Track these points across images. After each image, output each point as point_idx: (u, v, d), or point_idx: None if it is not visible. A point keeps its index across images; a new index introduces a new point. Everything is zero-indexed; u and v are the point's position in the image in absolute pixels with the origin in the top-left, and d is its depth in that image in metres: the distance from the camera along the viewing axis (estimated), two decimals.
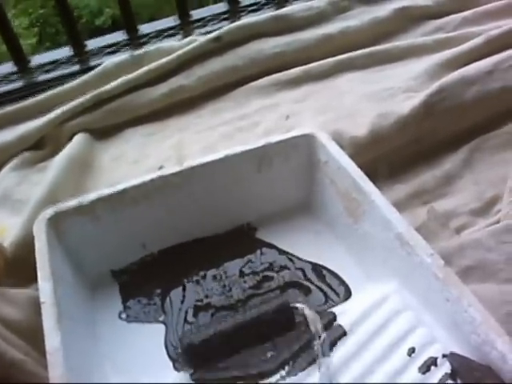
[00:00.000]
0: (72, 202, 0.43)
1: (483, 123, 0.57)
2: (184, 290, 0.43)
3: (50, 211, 0.42)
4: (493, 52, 0.63)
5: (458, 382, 0.33)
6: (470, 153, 0.55)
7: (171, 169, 0.45)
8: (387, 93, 0.60)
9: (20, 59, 0.78)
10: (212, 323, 0.38)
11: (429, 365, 0.34)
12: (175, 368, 0.37)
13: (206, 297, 0.42)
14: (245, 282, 0.43)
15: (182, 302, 0.42)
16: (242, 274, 0.44)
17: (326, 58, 0.68)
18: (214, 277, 0.44)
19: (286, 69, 0.67)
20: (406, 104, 0.56)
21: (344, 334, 0.36)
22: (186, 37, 0.75)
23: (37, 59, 0.79)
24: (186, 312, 0.41)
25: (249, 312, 0.37)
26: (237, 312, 0.40)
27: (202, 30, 0.80)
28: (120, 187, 0.44)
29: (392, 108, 0.56)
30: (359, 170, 0.43)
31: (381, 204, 0.40)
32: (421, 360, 0.34)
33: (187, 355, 0.35)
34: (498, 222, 0.47)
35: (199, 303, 0.42)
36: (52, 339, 0.33)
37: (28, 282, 0.43)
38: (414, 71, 0.64)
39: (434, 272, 0.35)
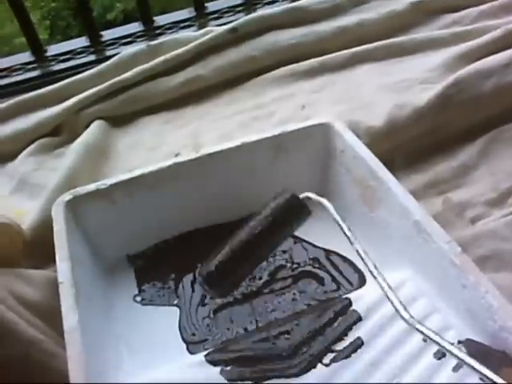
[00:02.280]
0: (90, 187, 0.43)
1: (499, 115, 0.56)
2: (197, 275, 0.43)
3: (68, 195, 0.43)
4: (509, 45, 0.62)
5: (474, 368, 0.33)
6: (486, 144, 0.54)
7: (188, 156, 0.46)
8: (404, 84, 0.60)
9: (37, 49, 0.78)
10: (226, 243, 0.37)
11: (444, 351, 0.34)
12: (189, 350, 0.38)
13: None
14: (260, 269, 0.43)
15: (196, 286, 0.42)
16: None
17: (341, 50, 0.68)
18: None
19: (302, 60, 0.67)
20: (423, 95, 0.56)
21: (359, 319, 0.36)
22: (201, 28, 0.75)
23: (53, 49, 0.79)
24: (201, 296, 0.41)
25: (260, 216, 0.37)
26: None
27: (218, 22, 0.80)
28: (137, 172, 0.44)
29: (409, 99, 0.56)
30: (376, 158, 0.43)
31: (398, 192, 0.40)
32: (436, 346, 0.34)
33: (210, 283, 0.35)
34: None
35: None
36: (70, 318, 0.33)
37: (46, 263, 0.43)
38: (431, 63, 0.63)
39: (451, 259, 0.35)
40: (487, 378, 0.31)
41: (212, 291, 0.35)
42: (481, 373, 0.31)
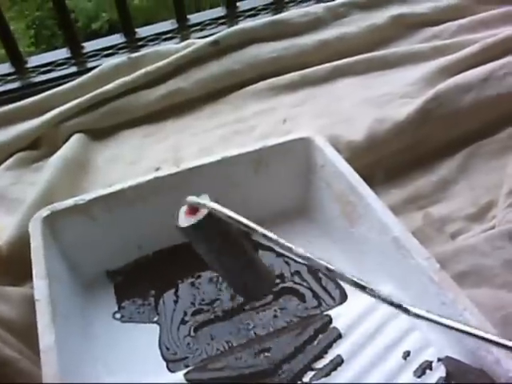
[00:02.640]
0: (68, 202, 0.43)
1: (479, 129, 0.57)
2: (178, 291, 0.43)
3: (45, 210, 0.42)
4: (488, 59, 0.63)
5: None
6: (465, 159, 0.55)
7: (168, 170, 0.45)
8: (384, 98, 0.61)
9: (17, 60, 0.77)
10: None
11: (424, 368, 0.34)
12: (169, 369, 0.37)
13: (202, 299, 0.42)
14: None
15: (176, 303, 0.42)
16: None
17: (323, 64, 0.69)
18: (210, 279, 0.44)
19: (283, 73, 0.68)
20: (403, 110, 0.57)
21: (339, 336, 0.36)
22: (183, 40, 0.75)
23: (34, 60, 0.79)
24: (182, 313, 0.41)
25: None
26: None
27: (200, 34, 0.80)
28: (116, 187, 0.44)
29: (389, 113, 0.57)
30: (356, 173, 0.43)
31: (377, 207, 0.40)
32: (416, 363, 0.34)
33: None
34: (493, 227, 0.47)
35: (194, 305, 0.42)
36: (46, 337, 0.33)
37: (23, 280, 0.43)
38: (411, 77, 0.64)
39: (430, 275, 0.35)
40: None
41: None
42: None
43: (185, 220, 0.36)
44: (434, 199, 0.51)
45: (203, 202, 0.35)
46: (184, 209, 0.37)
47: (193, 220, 0.36)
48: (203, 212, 0.35)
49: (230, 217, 0.34)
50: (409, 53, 0.70)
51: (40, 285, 0.36)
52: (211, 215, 0.35)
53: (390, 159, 0.55)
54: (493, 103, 0.58)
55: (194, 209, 0.36)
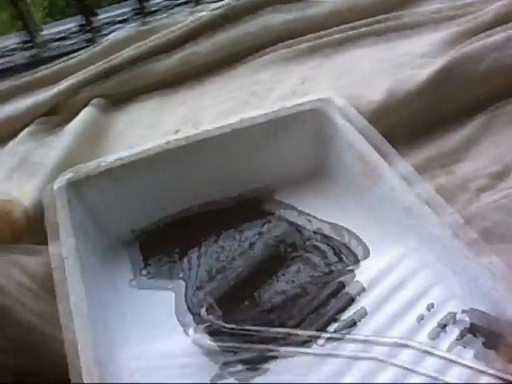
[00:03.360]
0: (91, 164, 0.43)
1: (502, 88, 0.56)
2: (202, 249, 0.44)
3: (69, 172, 0.43)
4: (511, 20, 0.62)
5: (478, 335, 0.33)
6: (488, 118, 0.54)
7: (187, 132, 0.45)
8: (404, 58, 0.60)
9: (32, 29, 0.77)
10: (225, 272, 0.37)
11: (448, 320, 0.34)
12: (195, 321, 0.38)
13: (226, 256, 0.42)
14: (264, 244, 0.43)
15: (201, 260, 0.43)
16: (260, 234, 0.44)
17: (340, 25, 0.67)
18: (233, 237, 0.44)
19: (301, 36, 0.66)
20: (423, 70, 0.56)
21: (363, 289, 0.36)
22: (197, 5, 0.75)
23: (49, 29, 0.78)
24: (207, 269, 0.42)
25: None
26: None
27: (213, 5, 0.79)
28: (137, 149, 0.44)
29: (409, 73, 0.56)
30: (377, 132, 0.43)
31: (399, 165, 0.40)
32: (440, 315, 0.35)
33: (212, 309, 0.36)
34: None
35: (218, 262, 0.42)
36: (76, 291, 0.34)
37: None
38: (432, 38, 0.63)
39: (454, 230, 0.35)
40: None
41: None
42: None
43: None
44: (457, 158, 0.50)
45: None
46: None
47: None
48: None
49: None
50: (428, 13, 0.68)
51: (67, 243, 0.37)
52: None
53: (411, 119, 0.54)
54: None
55: None
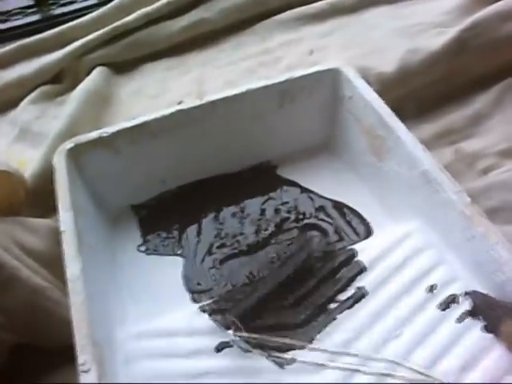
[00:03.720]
0: (92, 134, 0.42)
1: None
2: (202, 225, 0.43)
3: (69, 143, 0.42)
4: None
5: (479, 318, 0.33)
6: (502, 92, 0.52)
7: (191, 103, 0.44)
8: (417, 28, 0.58)
9: None
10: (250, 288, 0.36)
11: (449, 302, 0.34)
12: (193, 299, 0.38)
13: (226, 233, 0.42)
14: (265, 220, 0.43)
15: (200, 236, 0.42)
16: (262, 211, 0.43)
17: None
18: (234, 214, 0.44)
19: (311, 2, 0.64)
20: (438, 40, 0.54)
21: (364, 269, 0.36)
22: None
23: None
24: (206, 246, 0.41)
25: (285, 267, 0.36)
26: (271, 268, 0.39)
27: None
28: (139, 120, 0.43)
29: (422, 43, 0.54)
30: (386, 106, 0.42)
31: (407, 141, 0.39)
32: (442, 297, 0.34)
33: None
34: None
35: (218, 239, 0.42)
36: (73, 267, 0.33)
37: (49, 212, 0.43)
38: (446, 6, 0.60)
39: (461, 209, 0.34)
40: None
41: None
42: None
43: None
44: (466, 134, 0.49)
45: None
46: None
47: None
48: None
49: None
50: None
51: (65, 217, 0.36)
52: None
53: (423, 92, 0.52)
54: None
55: None
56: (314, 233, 0.41)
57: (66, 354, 0.31)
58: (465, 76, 0.53)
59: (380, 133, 0.42)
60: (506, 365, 0.31)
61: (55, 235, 0.38)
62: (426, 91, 0.52)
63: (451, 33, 0.54)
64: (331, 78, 0.45)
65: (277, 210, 0.43)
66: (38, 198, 0.44)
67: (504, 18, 0.55)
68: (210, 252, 0.41)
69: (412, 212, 0.39)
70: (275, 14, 0.64)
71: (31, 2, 0.75)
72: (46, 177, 0.43)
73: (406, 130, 0.40)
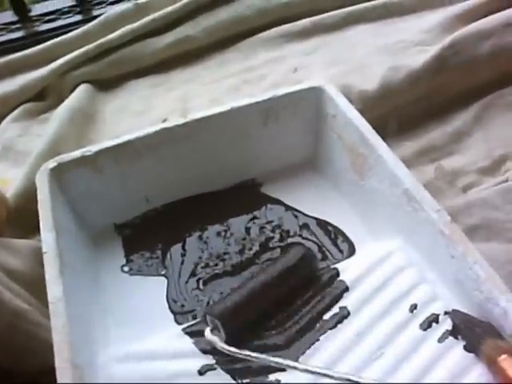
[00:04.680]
0: (75, 153, 0.42)
1: (496, 79, 0.55)
2: (186, 245, 0.43)
3: (52, 162, 0.41)
4: (509, 5, 0.60)
5: (459, 338, 0.33)
6: (481, 110, 0.53)
7: (176, 121, 0.44)
8: (399, 46, 0.59)
9: (21, 8, 0.75)
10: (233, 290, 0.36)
11: (430, 321, 0.34)
12: (176, 321, 0.38)
13: (210, 253, 0.42)
14: (250, 240, 0.43)
15: (184, 256, 0.42)
16: (247, 230, 0.43)
17: (335, 10, 0.66)
18: (218, 233, 0.44)
19: (295, 20, 0.65)
20: (418, 57, 0.55)
21: (346, 289, 0.36)
22: None
23: (38, 9, 0.76)
24: (190, 267, 0.41)
25: (271, 268, 0.37)
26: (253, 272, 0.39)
27: None
28: (123, 139, 0.43)
29: (404, 61, 0.54)
30: (367, 124, 0.42)
31: (388, 159, 0.39)
32: (423, 316, 0.34)
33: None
34: (506, 181, 0.46)
35: (202, 259, 0.42)
36: (54, 289, 0.33)
37: (31, 233, 0.43)
38: (427, 24, 0.62)
39: (440, 228, 0.35)
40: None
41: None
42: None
43: None
44: (447, 151, 0.50)
45: None
46: None
47: None
48: None
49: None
50: None
51: (47, 237, 0.36)
52: None
53: (404, 110, 0.53)
54: None
55: None
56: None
57: (48, 378, 0.31)
58: (445, 94, 0.54)
59: (362, 151, 0.42)
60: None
61: (38, 256, 0.37)
62: (407, 109, 0.53)
63: (432, 51, 0.55)
64: (314, 97, 0.46)
65: (261, 229, 0.44)
66: (20, 217, 0.44)
67: (483, 37, 0.56)
68: (193, 273, 0.41)
69: (393, 230, 0.39)
70: (259, 32, 0.65)
71: (15, 18, 0.75)
72: (29, 196, 0.43)
73: (387, 148, 0.40)
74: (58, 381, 0.29)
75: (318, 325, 0.34)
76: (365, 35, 0.62)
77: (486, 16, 0.59)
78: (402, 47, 0.59)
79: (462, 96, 0.54)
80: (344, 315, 0.35)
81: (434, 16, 0.63)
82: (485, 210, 0.42)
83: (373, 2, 0.66)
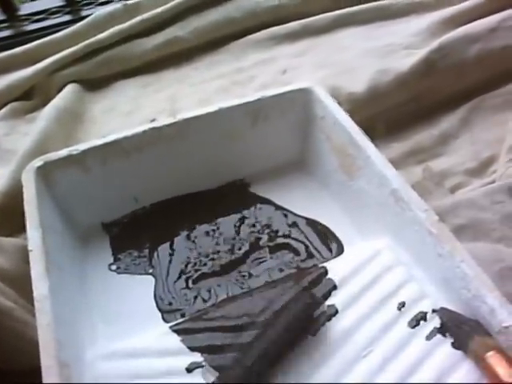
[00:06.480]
0: (61, 152, 0.42)
1: (483, 82, 0.56)
2: (174, 244, 0.43)
3: (39, 161, 0.41)
4: (496, 10, 0.61)
5: (447, 335, 0.33)
6: (468, 112, 0.54)
7: (164, 121, 0.44)
8: (387, 49, 0.59)
9: (9, 7, 0.75)
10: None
11: (418, 319, 0.34)
12: (164, 319, 0.37)
13: (198, 253, 0.42)
14: (239, 239, 0.43)
15: (172, 256, 0.42)
16: (236, 230, 0.43)
17: (325, 13, 0.66)
18: (207, 232, 0.43)
19: (285, 22, 0.65)
20: (407, 60, 0.55)
21: (334, 287, 0.36)
22: None
23: (26, 8, 0.76)
24: (178, 266, 0.41)
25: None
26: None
27: None
28: (111, 138, 0.43)
29: (392, 64, 0.55)
30: (356, 125, 0.42)
31: (376, 160, 0.40)
32: (410, 314, 0.34)
33: None
34: (493, 182, 0.47)
35: (190, 258, 0.41)
36: (40, 286, 0.33)
37: (17, 231, 0.42)
38: (416, 28, 0.62)
39: (428, 228, 0.35)
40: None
41: None
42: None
43: None
44: (434, 153, 0.50)
45: None
46: None
47: None
48: None
49: None
50: (414, 2, 0.67)
51: (33, 235, 0.36)
52: None
53: (392, 112, 0.53)
54: (499, 55, 0.57)
55: None
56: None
57: (35, 377, 0.30)
58: (432, 96, 0.55)
59: (350, 152, 0.42)
60: (475, 381, 0.31)
61: (23, 254, 0.37)
62: (395, 111, 0.54)
63: (419, 54, 0.55)
64: (303, 98, 0.46)
65: (251, 228, 0.43)
66: (6, 216, 0.44)
67: (471, 40, 0.57)
68: (182, 272, 0.40)
69: (381, 229, 0.40)
70: (249, 34, 0.65)
71: (3, 17, 0.74)
72: (15, 195, 0.43)
73: (375, 149, 0.40)
74: (44, 379, 0.28)
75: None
76: (354, 38, 0.63)
77: (473, 21, 0.60)
78: (390, 50, 0.59)
79: (449, 98, 0.55)
80: (332, 313, 0.35)
81: (423, 20, 0.64)
82: (472, 211, 0.43)
83: (362, 6, 0.67)
